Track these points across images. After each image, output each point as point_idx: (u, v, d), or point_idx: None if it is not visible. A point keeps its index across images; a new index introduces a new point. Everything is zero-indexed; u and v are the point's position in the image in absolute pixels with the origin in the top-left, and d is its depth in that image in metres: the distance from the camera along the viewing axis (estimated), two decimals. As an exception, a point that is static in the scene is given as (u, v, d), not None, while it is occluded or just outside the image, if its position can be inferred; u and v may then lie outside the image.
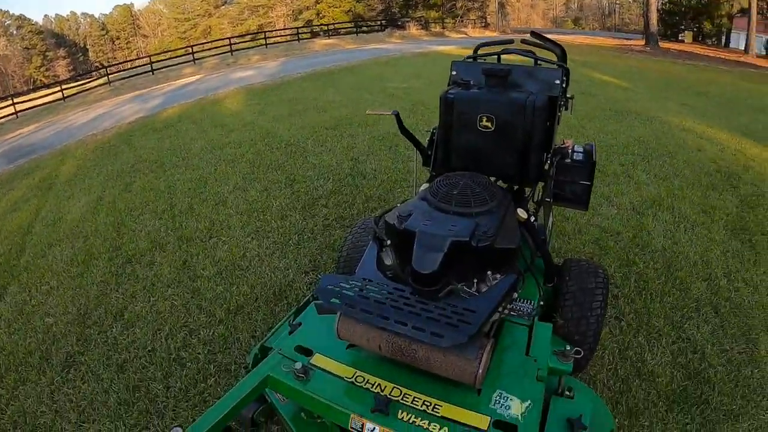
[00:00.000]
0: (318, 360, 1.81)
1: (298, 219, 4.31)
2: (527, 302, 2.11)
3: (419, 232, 1.75)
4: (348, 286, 1.73)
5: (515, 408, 1.64)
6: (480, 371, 1.58)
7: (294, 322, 2.14)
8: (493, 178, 2.33)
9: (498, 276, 1.81)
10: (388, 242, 1.93)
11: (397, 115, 2.56)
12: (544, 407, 1.70)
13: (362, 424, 1.59)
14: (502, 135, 2.31)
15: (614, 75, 13.43)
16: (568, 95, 2.56)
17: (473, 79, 2.51)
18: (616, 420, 2.29)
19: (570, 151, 2.49)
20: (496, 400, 1.67)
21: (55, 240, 4.47)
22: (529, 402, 1.66)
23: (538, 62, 2.58)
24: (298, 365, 1.73)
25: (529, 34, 2.69)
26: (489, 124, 2.30)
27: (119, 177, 5.98)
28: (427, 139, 2.69)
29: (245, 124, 7.94)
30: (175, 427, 1.47)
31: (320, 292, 1.70)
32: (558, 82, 2.42)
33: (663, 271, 3.53)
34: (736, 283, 3.47)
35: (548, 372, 1.78)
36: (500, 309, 1.82)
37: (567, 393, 1.81)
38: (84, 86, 20.51)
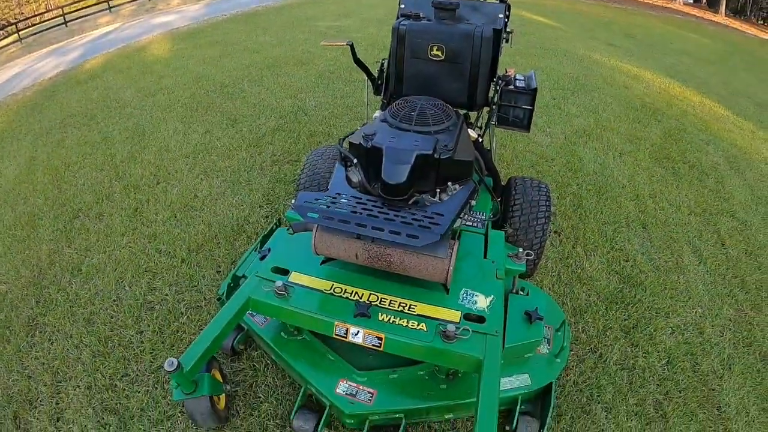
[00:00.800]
0: (295, 277, 1.81)
1: (245, 157, 4.03)
2: (481, 213, 2.19)
3: (386, 147, 1.77)
4: (324, 201, 1.72)
5: (481, 302, 1.71)
6: (450, 268, 1.63)
7: (262, 249, 2.10)
8: None
9: (457, 187, 1.86)
10: (355, 161, 1.90)
11: (352, 46, 2.56)
12: (504, 303, 1.78)
13: (346, 330, 1.62)
14: (452, 63, 2.34)
15: (544, 15, 13.01)
16: (508, 29, 2.58)
17: (422, 11, 2.50)
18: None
19: (513, 78, 2.52)
20: (463, 297, 1.73)
21: (-8, 205, 3.95)
22: (492, 297, 1.73)
23: None
24: (279, 284, 1.71)
25: None
26: (439, 53, 2.33)
27: (49, 134, 5.27)
28: (377, 69, 2.72)
29: (176, 69, 7.16)
30: (169, 358, 1.44)
31: (298, 208, 1.66)
32: (501, 16, 2.47)
33: (595, 192, 3.63)
34: (661, 203, 3.63)
35: (505, 272, 1.87)
36: (462, 215, 1.87)
37: (521, 292, 1.94)
38: (-8, 46, 17.86)
